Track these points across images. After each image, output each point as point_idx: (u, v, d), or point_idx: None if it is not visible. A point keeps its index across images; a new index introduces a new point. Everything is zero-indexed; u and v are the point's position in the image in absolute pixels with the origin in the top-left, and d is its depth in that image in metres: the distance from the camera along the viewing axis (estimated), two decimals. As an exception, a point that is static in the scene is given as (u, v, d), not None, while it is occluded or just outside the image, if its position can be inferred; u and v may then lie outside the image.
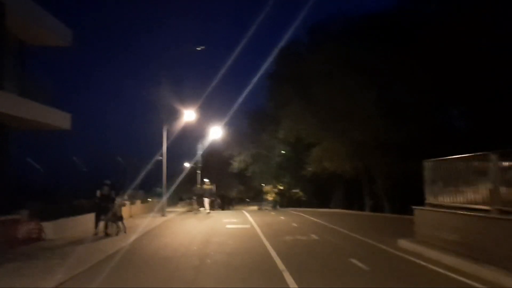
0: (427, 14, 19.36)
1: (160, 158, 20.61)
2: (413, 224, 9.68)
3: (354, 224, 15.00)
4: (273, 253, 8.51)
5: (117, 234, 11.69)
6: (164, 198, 20.82)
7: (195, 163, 35.45)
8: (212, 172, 43.93)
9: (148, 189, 34.47)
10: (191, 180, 37.53)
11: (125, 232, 11.93)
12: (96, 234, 11.49)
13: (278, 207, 39.39)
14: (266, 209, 37.85)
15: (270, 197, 44.33)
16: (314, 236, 11.20)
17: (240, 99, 28.11)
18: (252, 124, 35.84)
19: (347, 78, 20.14)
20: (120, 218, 12.10)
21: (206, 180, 34.67)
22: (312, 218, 18.15)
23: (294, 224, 15.09)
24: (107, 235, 11.51)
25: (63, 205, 14.13)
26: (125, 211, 18.07)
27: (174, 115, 21.02)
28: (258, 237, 11.37)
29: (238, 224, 15.51)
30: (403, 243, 9.28)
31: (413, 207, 9.63)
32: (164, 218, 18.40)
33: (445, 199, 8.61)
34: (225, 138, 34.29)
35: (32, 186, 24.94)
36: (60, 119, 13.06)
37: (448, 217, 8.16)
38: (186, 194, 38.23)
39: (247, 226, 14.66)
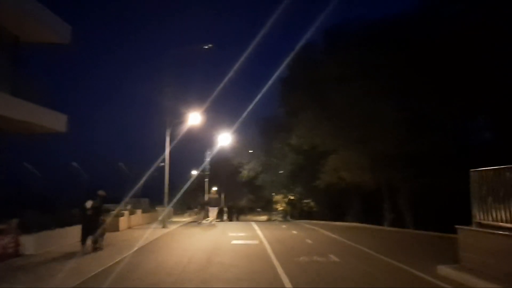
0: (449, 18, 17.77)
1: (162, 164, 19.14)
2: (448, 245, 8.16)
3: (377, 242, 13.29)
4: (286, 281, 6.93)
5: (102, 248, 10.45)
6: (166, 208, 19.27)
7: (203, 171, 34.10)
8: (221, 181, 42.58)
9: (154, 197, 33.17)
10: (200, 188, 36.24)
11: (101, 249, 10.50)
12: (83, 249, 10.12)
13: (289, 217, 37.65)
14: (276, 220, 36.18)
15: (280, 207, 42.59)
16: (334, 258, 9.55)
17: (251, 105, 26.44)
18: (263, 131, 34.31)
19: (365, 83, 18.65)
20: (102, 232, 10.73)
21: (214, 188, 33.24)
22: (328, 232, 16.46)
23: (309, 241, 13.44)
24: (95, 249, 10.24)
25: (53, 215, 12.84)
26: (122, 222, 16.76)
27: (178, 118, 19.55)
28: (268, 257, 9.78)
29: (246, 239, 13.92)
30: (445, 270, 7.58)
31: (457, 226, 7.94)
32: (165, 230, 16.91)
33: (501, 218, 6.96)
34: (234, 145, 32.83)
35: (31, 194, 23.85)
36: (55, 121, 12.03)
37: (507, 241, 6.50)
38: (194, 203, 36.94)
39: (256, 242, 13.07)
